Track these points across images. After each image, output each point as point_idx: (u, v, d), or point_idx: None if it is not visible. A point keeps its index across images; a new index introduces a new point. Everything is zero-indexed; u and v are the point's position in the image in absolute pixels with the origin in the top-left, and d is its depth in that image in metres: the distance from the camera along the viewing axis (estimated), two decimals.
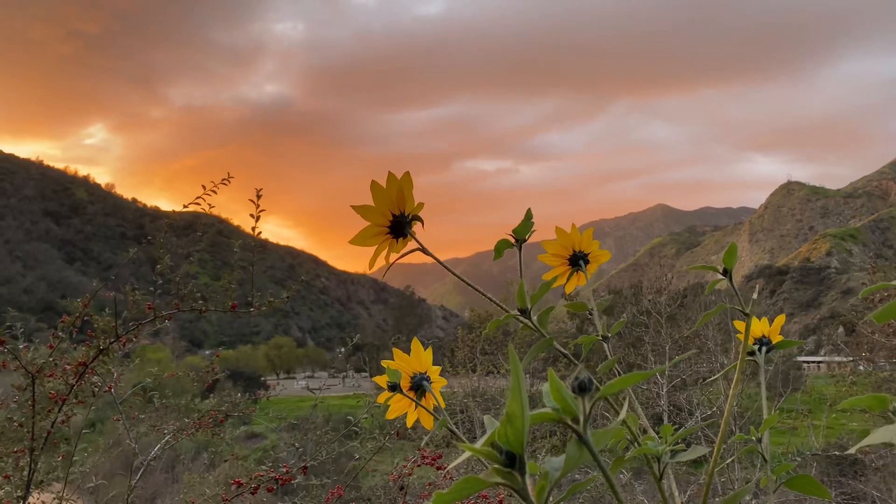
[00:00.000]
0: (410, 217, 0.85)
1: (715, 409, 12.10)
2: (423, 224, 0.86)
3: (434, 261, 0.92)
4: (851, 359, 14.33)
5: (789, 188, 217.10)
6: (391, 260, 0.86)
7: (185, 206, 2.65)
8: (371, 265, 0.87)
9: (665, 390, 12.13)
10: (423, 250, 0.88)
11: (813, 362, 43.26)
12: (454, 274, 0.96)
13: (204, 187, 2.65)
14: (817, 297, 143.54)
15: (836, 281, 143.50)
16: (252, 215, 2.58)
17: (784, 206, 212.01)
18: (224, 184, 2.71)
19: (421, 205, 0.84)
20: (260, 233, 2.78)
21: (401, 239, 0.86)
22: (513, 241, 0.98)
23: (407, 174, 0.82)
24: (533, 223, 0.97)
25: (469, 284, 0.99)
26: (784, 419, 13.64)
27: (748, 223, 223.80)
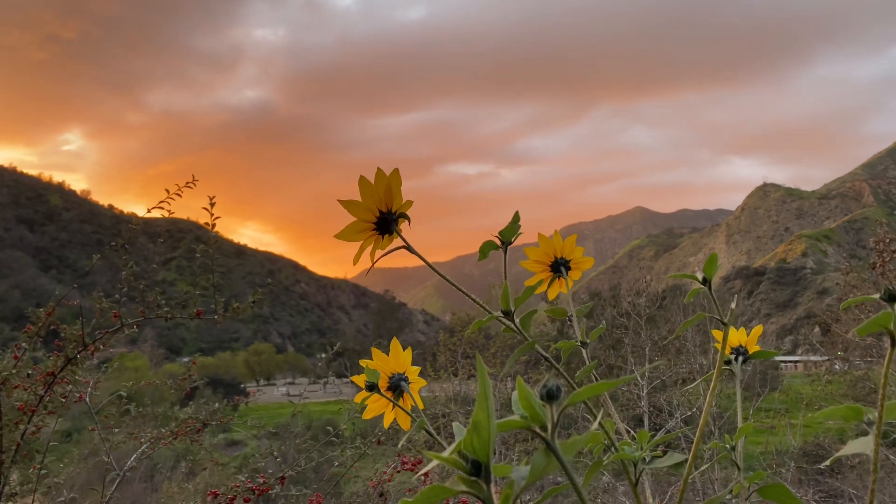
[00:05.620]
0: (397, 214, 0.83)
1: (695, 409, 12.19)
2: (409, 222, 0.85)
3: (418, 261, 0.91)
4: (827, 358, 14.55)
5: (765, 190, 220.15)
6: (376, 257, 0.85)
7: (148, 211, 2.61)
8: (356, 261, 0.86)
9: (646, 392, 12.21)
10: (409, 248, 0.86)
11: (790, 362, 43.79)
12: (440, 274, 0.93)
13: (168, 191, 2.62)
14: (793, 297, 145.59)
15: (812, 281, 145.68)
16: (207, 224, 2.54)
17: (760, 207, 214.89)
18: (189, 187, 2.67)
19: (409, 202, 0.83)
20: (216, 238, 2.74)
21: (387, 236, 0.85)
22: (498, 243, 0.97)
23: (396, 171, 0.81)
24: (520, 226, 0.97)
25: (454, 285, 0.98)
26: (762, 418, 13.79)
27: (725, 225, 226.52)
